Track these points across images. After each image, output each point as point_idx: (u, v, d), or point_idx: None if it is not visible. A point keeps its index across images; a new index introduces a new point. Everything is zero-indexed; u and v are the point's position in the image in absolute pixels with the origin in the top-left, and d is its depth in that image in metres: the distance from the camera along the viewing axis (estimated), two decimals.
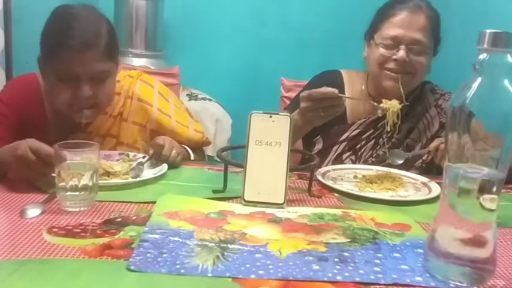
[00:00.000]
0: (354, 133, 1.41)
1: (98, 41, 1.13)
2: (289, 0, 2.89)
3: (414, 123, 1.42)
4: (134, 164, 1.14)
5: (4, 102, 1.22)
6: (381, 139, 1.41)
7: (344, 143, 1.41)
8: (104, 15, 1.21)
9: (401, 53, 1.31)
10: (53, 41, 1.13)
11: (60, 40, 1.10)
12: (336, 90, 1.14)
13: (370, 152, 1.41)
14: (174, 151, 1.18)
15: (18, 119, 1.21)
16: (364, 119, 1.41)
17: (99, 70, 1.14)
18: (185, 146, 1.34)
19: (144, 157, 1.19)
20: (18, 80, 1.30)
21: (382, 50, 1.34)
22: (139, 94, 1.31)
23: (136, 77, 1.35)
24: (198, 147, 1.40)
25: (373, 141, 1.41)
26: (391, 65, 1.34)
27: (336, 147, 1.41)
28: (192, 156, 1.34)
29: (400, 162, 1.29)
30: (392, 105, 1.23)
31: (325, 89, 1.15)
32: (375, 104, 1.25)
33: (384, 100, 1.24)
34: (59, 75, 1.12)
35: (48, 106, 1.25)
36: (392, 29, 1.33)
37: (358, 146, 1.41)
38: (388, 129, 1.26)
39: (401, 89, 1.32)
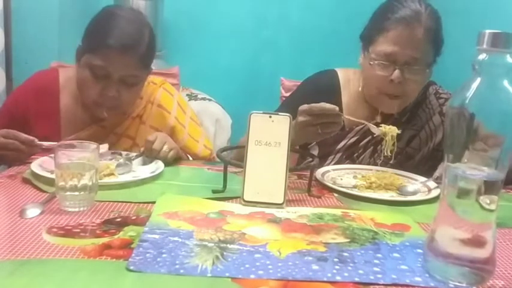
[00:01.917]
0: (351, 141, 1.35)
1: (137, 47, 1.17)
2: (289, 0, 2.89)
3: (416, 131, 1.36)
4: (121, 159, 1.14)
5: (15, 99, 1.29)
6: (379, 146, 1.34)
7: (340, 153, 1.35)
8: (149, 23, 1.24)
9: (396, 73, 1.22)
10: (95, 38, 1.17)
11: (102, 38, 1.15)
12: (336, 108, 1.09)
13: (368, 160, 1.36)
14: (165, 146, 1.18)
15: (26, 115, 1.25)
16: (362, 125, 1.35)
17: (131, 75, 1.19)
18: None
19: (136, 155, 1.20)
20: (36, 76, 1.34)
21: (377, 71, 1.25)
22: (160, 100, 1.36)
23: (159, 85, 1.40)
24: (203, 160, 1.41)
25: (371, 148, 1.36)
26: (387, 88, 1.25)
27: (332, 156, 1.36)
28: (191, 159, 1.34)
29: (412, 191, 1.12)
30: (392, 130, 1.17)
31: (325, 105, 1.09)
32: (374, 126, 1.17)
33: (382, 125, 1.18)
34: (92, 70, 1.17)
35: (63, 101, 1.29)
36: (387, 45, 1.23)
37: (355, 155, 1.36)
38: (389, 153, 1.18)
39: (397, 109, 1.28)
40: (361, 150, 1.36)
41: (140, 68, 1.20)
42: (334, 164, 1.36)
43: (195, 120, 1.45)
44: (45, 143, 1.01)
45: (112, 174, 1.07)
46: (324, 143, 1.36)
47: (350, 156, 1.36)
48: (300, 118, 1.10)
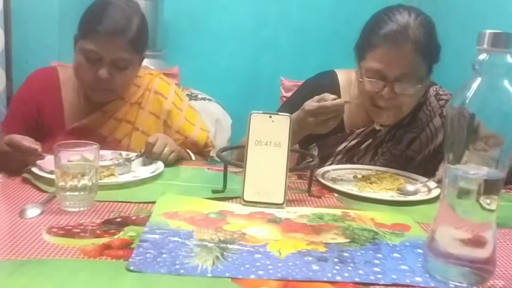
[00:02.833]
0: (351, 143, 1.34)
1: (126, 32, 1.24)
2: (289, 0, 2.89)
3: (417, 134, 1.35)
4: (121, 160, 1.15)
5: (21, 99, 1.36)
6: (380, 149, 1.35)
7: (340, 155, 1.35)
8: (140, 11, 1.32)
9: (386, 90, 1.20)
10: (87, 24, 1.26)
11: (94, 25, 1.24)
12: (342, 101, 1.13)
13: (369, 163, 1.35)
14: (166, 149, 1.19)
15: (35, 111, 1.33)
16: (363, 128, 1.34)
17: (122, 58, 1.25)
18: (188, 150, 1.36)
19: (137, 155, 1.21)
20: (37, 74, 1.40)
21: (368, 86, 1.23)
22: (157, 88, 1.42)
23: (156, 75, 1.47)
24: (202, 149, 1.44)
25: (372, 151, 1.35)
26: (380, 102, 1.23)
27: (332, 158, 1.36)
28: (194, 158, 1.35)
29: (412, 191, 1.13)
30: None
31: (334, 101, 1.12)
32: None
33: None
34: (86, 55, 1.24)
35: (65, 95, 1.36)
36: (375, 63, 1.21)
37: (356, 158, 1.35)
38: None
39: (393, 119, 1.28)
40: (362, 153, 1.35)
41: (130, 52, 1.26)
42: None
43: (192, 107, 1.50)
44: (47, 156, 1.03)
45: (112, 174, 1.07)
46: (324, 144, 1.36)
47: (350, 159, 1.35)
48: (309, 119, 1.12)
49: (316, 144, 1.37)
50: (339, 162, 1.36)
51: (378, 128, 1.33)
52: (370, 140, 1.35)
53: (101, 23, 1.22)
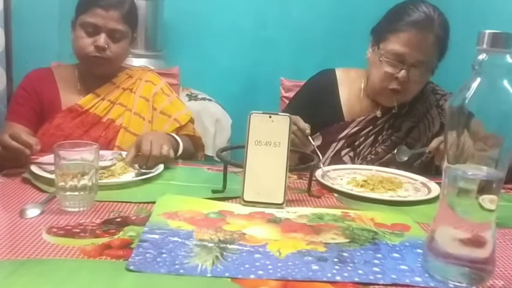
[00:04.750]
0: (352, 130, 1.42)
1: (120, 6, 1.40)
2: (289, 0, 2.89)
3: (415, 123, 1.44)
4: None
5: (24, 89, 1.46)
6: (380, 136, 1.42)
7: (342, 141, 1.42)
8: None
9: (402, 73, 1.31)
10: (88, 1, 1.41)
11: (93, 1, 1.39)
12: (307, 130, 1.20)
13: (369, 149, 1.42)
14: (155, 144, 1.12)
15: (37, 99, 1.43)
16: (363, 117, 1.42)
17: (116, 29, 1.39)
18: (174, 135, 1.32)
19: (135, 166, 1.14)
20: (35, 71, 1.51)
21: (385, 67, 1.33)
22: (148, 77, 1.54)
23: (147, 70, 1.62)
24: (185, 129, 1.47)
25: (372, 137, 1.42)
26: (392, 85, 1.34)
27: (334, 144, 1.42)
28: (181, 148, 1.29)
29: (405, 158, 1.33)
30: None
31: (299, 121, 1.20)
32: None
33: None
34: (85, 28, 1.39)
35: (60, 85, 1.47)
36: (398, 45, 1.30)
37: (356, 143, 1.42)
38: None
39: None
40: (363, 138, 1.42)
41: (124, 24, 1.40)
42: (336, 151, 1.41)
43: (180, 99, 1.59)
44: (44, 161, 1.05)
45: (112, 175, 1.07)
46: (327, 132, 1.42)
47: (351, 144, 1.42)
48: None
49: (319, 133, 1.43)
50: (341, 147, 1.42)
51: (379, 115, 1.41)
52: (371, 126, 1.42)
53: None
